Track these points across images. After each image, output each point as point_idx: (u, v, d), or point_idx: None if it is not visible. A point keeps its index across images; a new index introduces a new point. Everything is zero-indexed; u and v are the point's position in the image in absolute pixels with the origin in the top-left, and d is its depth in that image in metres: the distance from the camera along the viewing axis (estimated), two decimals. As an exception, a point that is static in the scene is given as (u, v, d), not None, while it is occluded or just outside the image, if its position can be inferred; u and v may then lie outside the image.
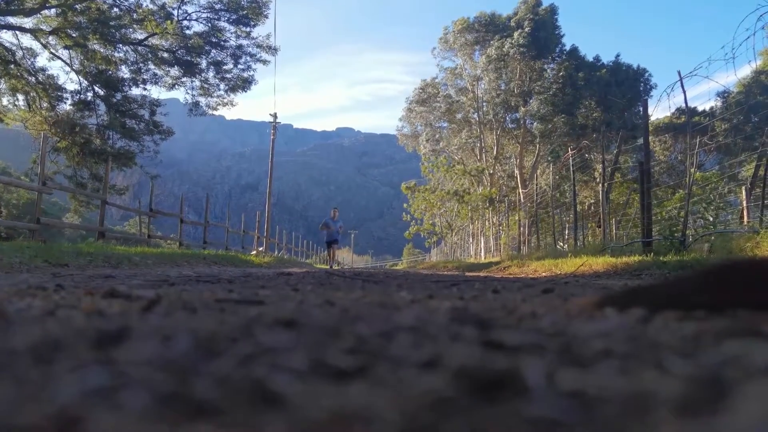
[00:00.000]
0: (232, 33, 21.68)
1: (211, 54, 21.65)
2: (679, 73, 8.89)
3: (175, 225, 17.83)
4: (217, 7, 21.19)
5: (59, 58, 20.21)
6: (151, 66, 21.35)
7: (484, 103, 37.70)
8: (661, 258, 6.75)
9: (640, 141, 11.87)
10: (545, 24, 34.65)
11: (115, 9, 19.90)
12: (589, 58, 35.34)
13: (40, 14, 18.76)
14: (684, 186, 11.52)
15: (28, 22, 19.09)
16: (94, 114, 21.00)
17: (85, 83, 20.79)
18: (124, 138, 21.17)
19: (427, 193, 42.89)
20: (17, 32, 19.24)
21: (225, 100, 22.67)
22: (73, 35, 19.04)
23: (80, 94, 20.87)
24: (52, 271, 4.50)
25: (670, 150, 31.58)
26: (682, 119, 22.86)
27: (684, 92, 8.94)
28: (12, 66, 19.22)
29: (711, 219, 11.21)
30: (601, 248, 10.45)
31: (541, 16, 34.77)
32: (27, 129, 19.83)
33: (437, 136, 41.62)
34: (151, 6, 20.23)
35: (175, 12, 20.66)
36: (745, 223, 10.76)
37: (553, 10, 35.57)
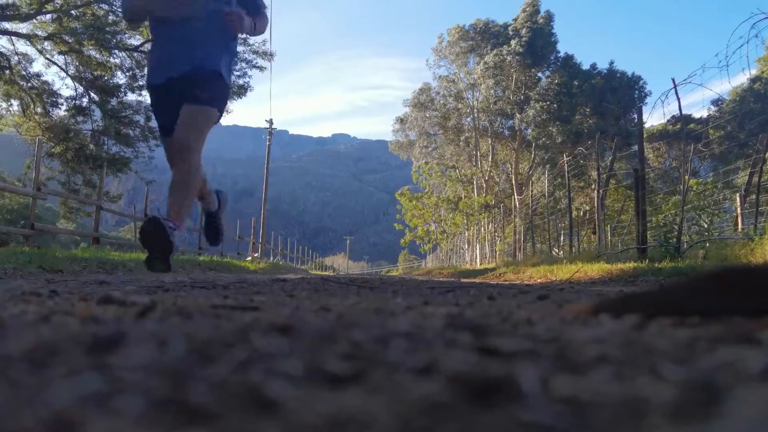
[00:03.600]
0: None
1: None
2: (673, 80, 8.96)
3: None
4: None
5: (55, 63, 20.22)
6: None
7: (476, 111, 37.85)
8: (656, 264, 6.79)
9: (635, 148, 11.97)
10: (542, 32, 34.91)
11: (111, 15, 19.96)
12: (585, 65, 35.67)
13: (36, 19, 18.77)
14: (678, 192, 11.58)
15: (23, 28, 19.09)
16: (89, 119, 21.00)
17: (80, 89, 20.80)
18: (119, 144, 21.19)
19: (418, 202, 42.90)
20: (12, 37, 19.23)
21: (228, 110, 22.74)
22: (69, 41, 19.06)
23: (75, 100, 20.87)
24: (46, 277, 4.48)
25: (664, 157, 31.78)
26: (677, 126, 23.01)
27: (678, 100, 9.01)
28: (7, 71, 19.21)
29: (705, 225, 11.30)
30: (597, 255, 10.48)
31: (538, 24, 35.01)
32: (21, 135, 19.79)
33: (432, 145, 41.73)
34: None
35: None
36: (740, 230, 10.83)
37: (549, 18, 35.82)
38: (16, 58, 19.79)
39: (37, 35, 19.26)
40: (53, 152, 19.63)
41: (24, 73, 20.04)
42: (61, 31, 19.07)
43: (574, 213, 16.91)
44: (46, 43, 19.57)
